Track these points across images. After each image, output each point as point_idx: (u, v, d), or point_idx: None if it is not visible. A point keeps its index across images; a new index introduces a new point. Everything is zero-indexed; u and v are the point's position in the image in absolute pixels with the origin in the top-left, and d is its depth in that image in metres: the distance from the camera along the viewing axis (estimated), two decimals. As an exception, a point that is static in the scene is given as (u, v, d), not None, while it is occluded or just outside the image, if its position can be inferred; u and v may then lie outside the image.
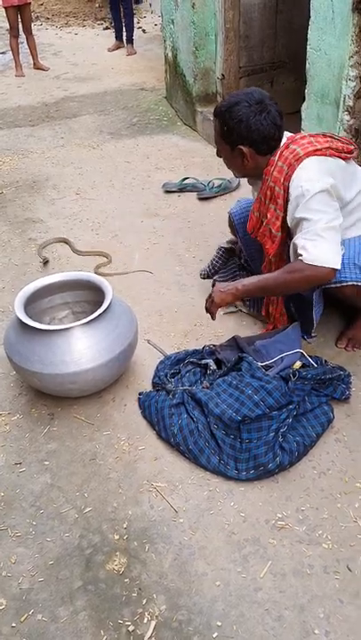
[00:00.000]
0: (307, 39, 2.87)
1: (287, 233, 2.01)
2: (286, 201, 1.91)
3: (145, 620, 1.37)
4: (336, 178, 1.88)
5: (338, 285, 1.92)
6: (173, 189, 3.55)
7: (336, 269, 1.82)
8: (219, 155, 2.08)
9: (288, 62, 4.52)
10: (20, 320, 1.89)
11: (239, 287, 1.97)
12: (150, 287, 2.66)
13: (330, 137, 1.99)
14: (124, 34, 7.15)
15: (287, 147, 1.92)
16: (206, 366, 2.04)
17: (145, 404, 1.97)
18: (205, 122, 4.28)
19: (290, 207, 1.89)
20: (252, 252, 2.38)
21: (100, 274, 2.71)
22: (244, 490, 1.68)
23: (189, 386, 1.96)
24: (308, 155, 1.87)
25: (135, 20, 7.66)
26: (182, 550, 1.53)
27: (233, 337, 2.12)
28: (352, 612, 1.38)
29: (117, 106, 5.16)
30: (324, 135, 2.00)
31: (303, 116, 3.07)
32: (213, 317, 2.10)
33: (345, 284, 1.92)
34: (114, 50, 7.28)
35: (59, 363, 1.84)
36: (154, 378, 2.11)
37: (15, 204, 3.54)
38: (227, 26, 4.03)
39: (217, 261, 2.61)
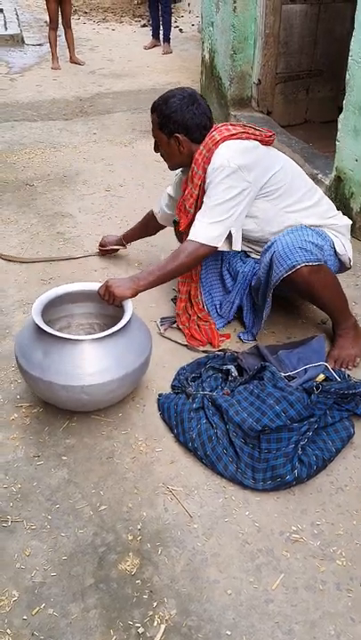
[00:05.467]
0: (347, 49, 2.85)
1: None
2: (203, 181, 2.14)
3: (155, 624, 1.38)
4: (253, 156, 2.09)
5: (292, 271, 2.01)
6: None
7: (210, 246, 2.08)
8: (156, 149, 2.28)
9: (325, 71, 4.51)
10: (37, 325, 1.84)
11: (141, 283, 2.05)
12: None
13: (250, 126, 2.20)
14: (161, 32, 7.17)
15: (210, 134, 2.14)
16: (228, 372, 2.04)
17: (164, 406, 1.97)
18: (238, 126, 4.27)
19: (206, 187, 2.13)
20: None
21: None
22: (260, 500, 1.68)
23: (210, 391, 1.96)
24: (224, 139, 2.09)
25: (173, 19, 7.68)
26: (195, 556, 1.53)
27: (256, 345, 2.12)
28: (363, 632, 1.37)
29: (151, 104, 5.16)
30: (244, 125, 2.21)
31: (339, 127, 3.05)
32: (114, 304, 2.03)
33: (298, 267, 2.01)
34: (150, 47, 7.31)
35: (78, 374, 1.78)
36: (174, 381, 2.11)
37: (45, 197, 3.57)
38: (266, 31, 4.03)
39: None
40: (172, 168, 2.35)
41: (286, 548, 1.55)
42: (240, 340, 2.35)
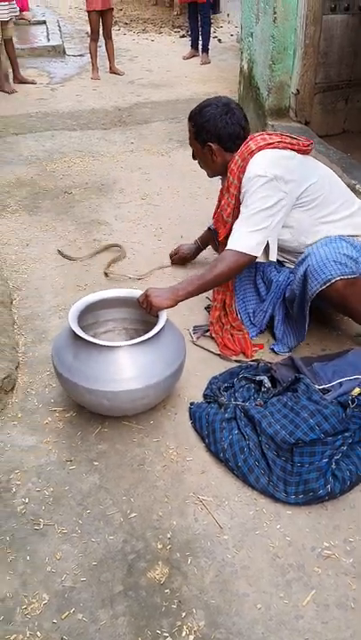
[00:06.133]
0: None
1: None
2: (239, 191, 2.14)
3: (183, 634, 1.37)
4: (289, 167, 2.08)
5: (327, 286, 1.99)
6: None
7: (250, 255, 2.07)
8: (194, 157, 2.31)
9: (365, 81, 4.46)
10: (73, 331, 1.86)
11: (180, 294, 2.05)
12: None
13: (287, 136, 2.19)
14: (200, 42, 7.22)
15: (245, 144, 2.14)
16: (261, 383, 2.02)
17: (196, 415, 1.97)
18: (276, 136, 4.26)
19: (242, 197, 2.13)
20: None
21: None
22: (292, 514, 1.66)
23: (242, 401, 1.95)
24: (259, 149, 2.10)
25: (212, 30, 7.73)
26: (225, 568, 1.52)
27: (290, 356, 2.10)
28: (396, 655, 1.33)
29: (188, 114, 5.20)
30: (281, 134, 2.20)
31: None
32: (151, 314, 2.03)
33: (333, 280, 1.99)
34: (189, 58, 7.37)
35: (102, 379, 1.79)
36: (206, 390, 2.11)
37: (83, 204, 3.63)
38: (306, 42, 4.02)
39: None
40: (211, 176, 2.37)
41: (318, 564, 1.52)
42: (273, 352, 2.33)
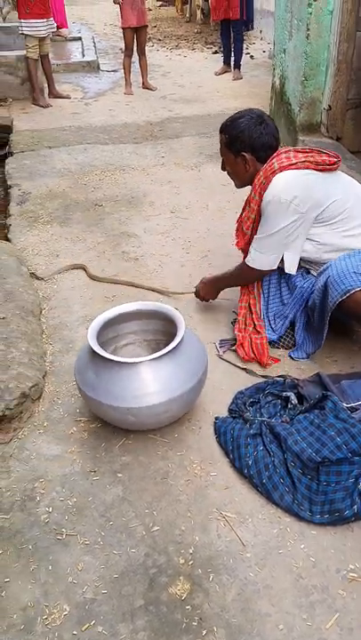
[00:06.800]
0: None
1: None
2: (259, 207, 2.21)
3: (203, 652, 1.35)
4: (308, 187, 2.10)
5: (347, 296, 1.99)
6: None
7: (265, 271, 2.27)
8: (223, 168, 2.36)
9: None
10: (92, 348, 1.87)
11: (216, 283, 2.53)
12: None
13: (316, 151, 2.20)
14: (233, 58, 7.28)
15: (270, 161, 2.18)
16: (287, 399, 2.00)
17: (221, 429, 1.96)
18: (306, 151, 4.26)
19: (261, 214, 2.22)
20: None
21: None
22: (317, 534, 1.63)
23: (268, 417, 1.93)
24: (281, 169, 2.13)
25: (244, 46, 7.79)
26: (247, 586, 1.50)
27: (317, 373, 2.07)
28: None
29: (219, 129, 5.23)
30: (311, 150, 2.21)
31: None
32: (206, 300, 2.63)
33: (352, 291, 1.98)
34: (221, 74, 7.44)
35: (125, 396, 1.80)
36: (231, 404, 2.10)
37: (113, 217, 3.67)
38: (339, 58, 4.02)
39: None
40: (239, 186, 2.41)
41: (343, 587, 1.49)
42: (291, 358, 2.35)
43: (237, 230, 2.43)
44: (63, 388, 2.21)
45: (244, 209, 2.35)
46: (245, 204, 2.33)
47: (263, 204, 2.17)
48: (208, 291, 2.57)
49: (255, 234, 2.28)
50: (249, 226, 2.31)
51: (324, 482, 1.65)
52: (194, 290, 2.64)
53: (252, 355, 2.33)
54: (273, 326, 2.43)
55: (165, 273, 3.01)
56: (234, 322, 2.54)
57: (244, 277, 2.38)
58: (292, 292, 2.39)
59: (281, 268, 2.31)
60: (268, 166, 2.17)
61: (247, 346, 2.34)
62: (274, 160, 2.17)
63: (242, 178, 2.31)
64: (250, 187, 2.33)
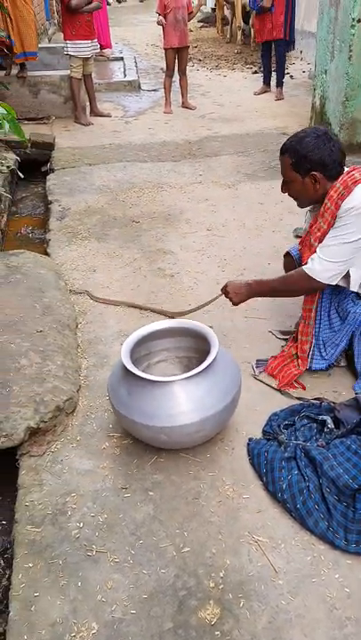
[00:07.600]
0: None
1: None
2: (333, 217, 2.13)
3: None
4: None
5: None
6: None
7: (321, 283, 2.13)
8: (283, 190, 2.28)
9: None
10: (125, 367, 1.87)
11: (253, 286, 2.31)
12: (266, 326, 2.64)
13: None
14: (274, 77, 7.31)
15: (348, 173, 2.13)
16: (324, 423, 1.96)
17: (254, 451, 1.93)
18: (346, 171, 4.23)
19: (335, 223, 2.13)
20: None
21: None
22: (352, 563, 1.58)
23: (303, 441, 1.90)
24: None
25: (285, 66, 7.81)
26: (278, 614, 1.46)
27: (355, 397, 2.03)
28: None
29: (257, 148, 5.26)
30: None
31: None
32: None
33: None
34: (260, 93, 7.47)
35: (158, 415, 1.80)
36: (265, 426, 2.07)
37: (149, 234, 3.70)
38: (381, 79, 4.00)
39: None
40: (303, 206, 2.34)
41: (378, 621, 1.44)
42: (355, 391, 2.23)
43: (303, 244, 2.32)
44: (97, 402, 2.22)
45: (312, 224, 2.26)
46: (314, 218, 2.24)
47: (341, 211, 2.08)
48: (239, 291, 2.32)
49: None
50: (317, 237, 2.19)
51: (360, 510, 1.60)
52: (220, 293, 2.43)
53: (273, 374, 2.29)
54: (323, 354, 2.34)
55: (200, 290, 3.01)
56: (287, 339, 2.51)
57: (294, 287, 2.24)
58: (343, 318, 2.31)
59: (331, 293, 2.25)
60: (348, 177, 2.10)
61: (275, 365, 2.32)
62: (354, 172, 2.11)
63: (310, 197, 2.22)
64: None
